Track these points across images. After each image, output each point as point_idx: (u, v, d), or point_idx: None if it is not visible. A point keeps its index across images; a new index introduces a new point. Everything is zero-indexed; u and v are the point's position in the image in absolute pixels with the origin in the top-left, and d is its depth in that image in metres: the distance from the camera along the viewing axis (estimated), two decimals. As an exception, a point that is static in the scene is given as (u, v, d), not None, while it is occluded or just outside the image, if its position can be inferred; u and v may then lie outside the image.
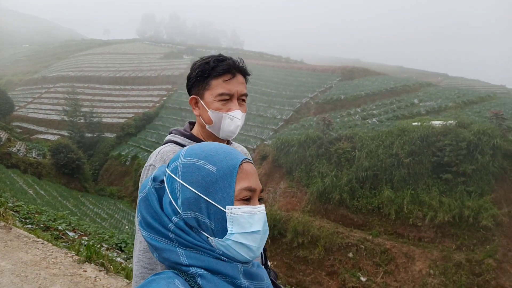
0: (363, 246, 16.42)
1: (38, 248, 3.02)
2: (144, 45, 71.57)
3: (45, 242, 3.28)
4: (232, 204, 0.73)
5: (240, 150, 1.54)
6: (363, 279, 15.52)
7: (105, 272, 3.05)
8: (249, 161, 0.81)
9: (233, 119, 1.31)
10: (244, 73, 1.36)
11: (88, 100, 42.17)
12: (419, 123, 18.49)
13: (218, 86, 1.30)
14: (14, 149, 23.22)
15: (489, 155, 15.92)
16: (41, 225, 4.01)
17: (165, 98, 40.39)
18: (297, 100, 29.51)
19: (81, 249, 3.41)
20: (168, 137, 1.43)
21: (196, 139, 1.38)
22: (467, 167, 15.80)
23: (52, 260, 2.97)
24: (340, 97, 26.69)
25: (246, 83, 1.39)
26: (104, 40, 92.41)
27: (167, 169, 0.79)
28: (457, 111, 21.67)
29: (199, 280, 0.71)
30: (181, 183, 0.74)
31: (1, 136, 23.70)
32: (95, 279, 2.90)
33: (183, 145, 1.35)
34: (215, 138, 1.37)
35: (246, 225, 0.74)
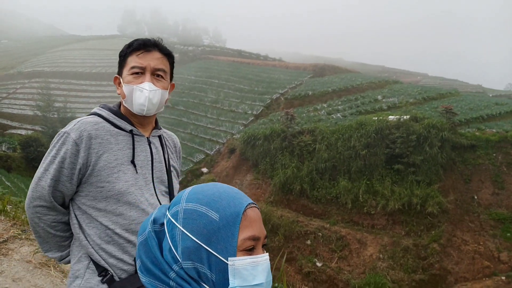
0: (320, 234, 17.21)
1: None
2: (123, 41, 70.75)
3: None
4: (235, 255, 0.69)
5: (170, 138, 1.56)
6: (318, 264, 16.29)
7: None
8: (254, 206, 0.76)
9: (142, 91, 1.29)
10: (162, 50, 1.35)
11: (63, 95, 41.99)
12: (377, 118, 19.43)
13: (132, 61, 1.32)
14: None
15: (437, 147, 16.92)
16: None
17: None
18: (268, 96, 30.26)
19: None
20: (95, 109, 1.40)
21: (121, 116, 1.36)
22: (416, 158, 16.78)
23: None
24: (308, 93, 27.57)
25: (171, 64, 1.40)
26: (83, 36, 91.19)
27: (167, 213, 0.76)
28: (416, 106, 22.78)
29: None
30: (182, 231, 0.71)
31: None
32: None
33: (106, 119, 1.34)
34: (135, 115, 1.36)
35: (249, 278, 0.69)
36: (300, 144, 19.94)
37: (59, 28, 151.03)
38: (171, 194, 1.41)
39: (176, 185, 1.46)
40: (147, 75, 1.32)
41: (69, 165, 1.26)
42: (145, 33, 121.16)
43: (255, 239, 0.72)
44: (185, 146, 28.16)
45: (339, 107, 24.59)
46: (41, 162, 1.30)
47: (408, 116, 18.66)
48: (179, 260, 0.71)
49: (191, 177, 24.60)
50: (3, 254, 2.87)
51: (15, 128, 37.62)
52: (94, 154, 1.27)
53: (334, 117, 22.95)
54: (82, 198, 1.31)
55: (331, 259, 16.48)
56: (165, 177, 1.41)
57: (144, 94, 1.29)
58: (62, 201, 1.33)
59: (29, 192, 1.29)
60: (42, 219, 1.31)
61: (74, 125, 1.29)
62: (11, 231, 3.16)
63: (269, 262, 0.75)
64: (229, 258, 0.69)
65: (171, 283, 0.70)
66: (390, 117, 19.29)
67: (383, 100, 24.67)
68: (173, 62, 1.42)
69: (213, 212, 0.71)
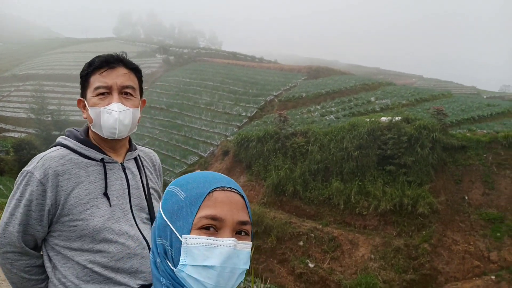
0: (313, 235, 17.27)
1: None
2: (118, 44, 71.18)
3: None
4: (189, 233, 0.68)
5: (148, 157, 1.44)
6: (311, 265, 16.34)
7: None
8: (229, 189, 0.73)
9: (110, 113, 1.19)
10: (128, 65, 1.26)
11: (57, 98, 41.92)
12: (369, 119, 19.56)
13: (96, 80, 1.22)
14: None
15: (428, 148, 17.05)
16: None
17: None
18: (262, 98, 30.35)
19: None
20: (59, 139, 1.29)
21: (89, 144, 1.26)
22: (407, 159, 16.90)
23: None
24: (302, 95, 27.69)
25: (139, 79, 1.30)
26: (79, 39, 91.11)
27: None
28: (409, 108, 22.94)
29: None
30: (160, 209, 0.74)
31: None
32: None
33: (73, 150, 1.24)
34: (105, 140, 1.25)
35: (199, 258, 0.67)
36: (293, 146, 20.04)
37: (56, 31, 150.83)
38: (153, 220, 1.31)
39: (157, 208, 1.35)
40: (114, 95, 1.22)
41: (36, 207, 1.18)
42: (141, 36, 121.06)
43: (214, 219, 0.68)
44: (179, 148, 28.20)
45: (333, 108, 24.72)
46: (6, 205, 1.20)
47: (400, 118, 18.79)
48: (156, 237, 0.73)
49: (185, 179, 24.65)
50: None
51: (8, 131, 37.51)
52: (63, 192, 1.18)
53: (327, 118, 23.08)
54: (54, 239, 1.23)
55: (323, 260, 16.53)
56: (145, 203, 1.32)
57: (113, 116, 1.19)
58: (34, 244, 1.25)
59: None
60: (14, 265, 1.22)
61: (37, 162, 1.19)
62: None
63: (238, 248, 0.68)
64: (183, 236, 0.68)
65: (158, 259, 0.72)
66: (382, 118, 19.42)
67: (376, 101, 24.83)
68: (141, 77, 1.32)
69: (182, 192, 0.72)
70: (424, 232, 15.69)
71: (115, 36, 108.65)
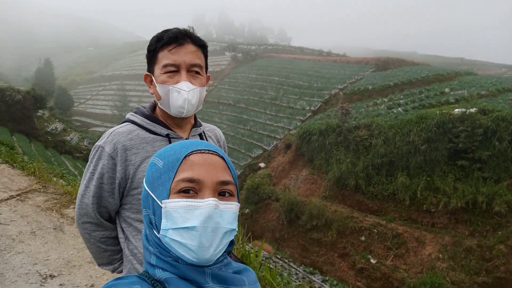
0: (375, 230, 16.83)
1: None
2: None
3: None
4: (168, 198, 0.68)
5: (212, 133, 1.45)
6: (373, 261, 15.97)
7: (13, 167, 4.77)
8: (206, 151, 0.72)
9: (180, 92, 1.18)
10: (196, 41, 1.23)
11: (137, 96, 45.77)
12: (439, 111, 18.37)
13: (164, 57, 1.19)
14: (68, 138, 26.48)
15: (507, 141, 15.57)
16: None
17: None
18: (327, 92, 29.95)
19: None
20: (128, 115, 1.32)
21: (154, 119, 1.27)
22: (483, 153, 15.61)
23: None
24: (368, 87, 26.77)
25: (205, 55, 1.28)
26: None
27: None
28: (488, 99, 21.01)
29: (166, 284, 0.67)
30: (144, 182, 0.74)
31: (57, 126, 27.14)
32: (2, 168, 4.63)
33: (141, 126, 1.26)
34: (172, 117, 1.26)
35: (179, 220, 0.66)
36: (355, 139, 19.60)
37: (138, 34, 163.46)
38: None
39: None
40: (183, 73, 1.19)
41: (108, 180, 1.22)
42: (213, 36, 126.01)
43: (192, 181, 0.68)
44: (244, 142, 29.10)
45: (401, 101, 23.57)
46: (82, 178, 1.26)
47: (475, 109, 17.36)
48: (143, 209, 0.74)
49: (249, 171, 25.39)
50: (21, 200, 3.77)
51: (96, 126, 41.93)
52: (132, 166, 1.21)
53: (395, 111, 22.09)
54: (126, 212, 1.28)
55: (386, 256, 16.03)
56: None
57: (182, 96, 1.19)
58: (109, 216, 1.31)
59: (75, 209, 1.28)
60: (92, 235, 1.30)
61: (107, 137, 1.22)
62: (34, 186, 4.11)
63: (220, 209, 0.68)
64: (162, 201, 0.68)
65: (147, 230, 0.73)
66: (455, 110, 18.10)
67: (451, 92, 23.10)
68: (207, 53, 1.29)
69: (160, 160, 0.72)
70: (500, 232, 14.43)
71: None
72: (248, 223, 21.80)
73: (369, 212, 17.89)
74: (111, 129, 1.26)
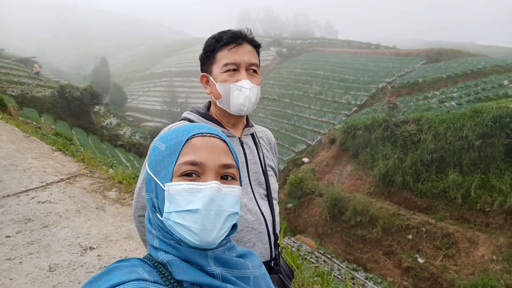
0: (424, 229, 16.16)
1: (32, 141, 5.50)
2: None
3: (42, 143, 5.63)
4: (171, 181, 0.68)
5: (264, 134, 1.44)
6: (420, 260, 15.38)
7: (65, 154, 5.17)
8: (208, 135, 0.72)
9: (241, 90, 1.20)
10: (252, 42, 1.27)
11: (185, 92, 47.33)
12: (496, 105, 17.12)
13: (224, 57, 1.22)
14: (121, 132, 28.09)
15: None
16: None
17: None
18: (374, 86, 28.97)
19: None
20: (184, 113, 1.37)
21: (210, 118, 1.29)
22: (545, 150, 14.38)
23: (38, 148, 5.23)
24: (418, 80, 25.51)
25: (258, 54, 1.30)
26: (205, 38, 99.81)
27: None
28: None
29: (168, 267, 0.67)
30: (146, 166, 0.74)
31: (112, 121, 28.86)
32: (56, 155, 5.07)
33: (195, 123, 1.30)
34: (228, 115, 1.28)
35: (182, 203, 0.66)
36: (403, 134, 18.84)
37: (187, 32, 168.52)
38: (269, 196, 1.30)
39: (274, 186, 1.34)
40: (242, 72, 1.22)
41: None
42: (259, 31, 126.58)
43: (194, 164, 0.68)
44: (288, 137, 29.05)
45: (454, 94, 22.25)
46: (140, 173, 1.29)
47: (538, 102, 16.00)
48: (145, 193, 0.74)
49: (292, 166, 25.33)
50: (70, 183, 4.17)
51: (147, 121, 43.97)
52: None
53: (447, 105, 20.91)
54: None
55: (435, 256, 15.34)
56: (263, 179, 1.30)
57: (244, 93, 1.21)
58: None
59: (133, 203, 1.30)
60: None
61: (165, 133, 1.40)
62: (82, 171, 4.52)
63: (223, 192, 0.68)
64: (165, 184, 0.68)
65: (150, 215, 0.73)
66: (515, 103, 16.79)
67: (510, 85, 21.41)
68: (259, 53, 1.33)
69: (162, 144, 0.72)
70: None
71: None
72: (291, 218, 21.81)
73: (417, 209, 17.17)
74: (168, 126, 1.29)
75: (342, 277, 13.63)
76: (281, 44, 55.70)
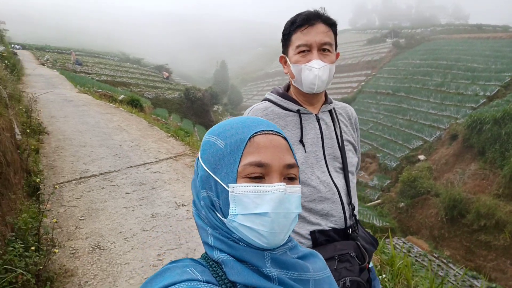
0: None
1: (154, 130, 6.66)
2: (352, 35, 73.86)
3: (161, 131, 6.88)
4: (235, 182, 0.65)
5: (344, 110, 1.48)
6: (562, 276, 13.14)
7: (176, 139, 6.14)
8: (270, 132, 0.69)
9: (311, 70, 1.26)
10: (326, 21, 1.30)
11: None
12: None
13: (297, 39, 1.28)
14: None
15: None
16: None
17: (363, 83, 41.58)
18: (508, 74, 25.06)
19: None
20: (266, 95, 1.44)
21: (287, 97, 1.36)
22: None
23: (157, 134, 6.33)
24: None
25: (335, 33, 1.33)
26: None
27: None
28: None
29: (223, 266, 0.65)
30: (200, 161, 0.71)
31: (228, 118, 31.53)
32: (170, 139, 6.15)
33: (275, 103, 1.36)
34: (304, 94, 1.35)
35: (250, 206, 0.64)
36: (542, 128, 16.13)
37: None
38: (345, 170, 1.34)
39: (352, 160, 1.38)
40: (314, 52, 1.27)
41: None
42: (375, 23, 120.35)
43: (260, 165, 0.66)
44: (402, 133, 27.30)
45: None
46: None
47: None
48: (200, 189, 0.71)
49: (406, 163, 23.80)
50: (176, 160, 5.16)
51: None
52: None
53: None
54: None
55: None
56: (338, 153, 1.34)
57: (313, 73, 1.26)
58: None
59: None
60: None
61: (248, 113, 1.36)
62: (186, 151, 5.61)
63: (288, 193, 0.66)
64: (229, 185, 0.65)
65: (203, 211, 0.71)
66: None
67: None
68: (336, 30, 1.35)
69: (220, 140, 0.69)
70: None
71: (350, 27, 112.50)
72: (403, 218, 20.61)
73: (558, 216, 14.60)
74: (251, 106, 1.40)
75: (458, 283, 12.49)
76: (399, 35, 52.25)
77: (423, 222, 19.19)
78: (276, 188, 0.64)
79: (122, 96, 15.08)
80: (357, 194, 1.41)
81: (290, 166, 0.68)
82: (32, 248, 2.44)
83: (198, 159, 0.72)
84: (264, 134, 0.68)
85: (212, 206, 0.68)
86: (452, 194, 17.46)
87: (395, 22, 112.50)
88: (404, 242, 17.38)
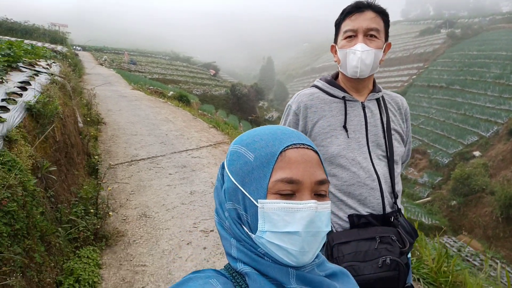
0: None
1: (197, 121, 7.37)
2: (401, 26, 70.91)
3: (203, 122, 7.50)
4: (265, 198, 0.62)
5: (393, 100, 1.47)
6: None
7: (217, 129, 6.65)
8: (302, 146, 0.65)
9: (355, 53, 1.27)
10: (375, 8, 1.31)
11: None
12: None
13: (345, 26, 1.31)
14: (268, 116, 31.21)
15: None
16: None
17: (414, 76, 39.92)
18: None
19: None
20: (315, 81, 1.46)
21: (334, 83, 1.38)
22: None
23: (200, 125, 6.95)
24: None
25: (385, 22, 1.33)
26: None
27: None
28: None
29: (246, 278, 0.63)
30: (226, 171, 0.68)
31: (273, 115, 32.12)
32: (211, 130, 6.64)
33: (321, 89, 1.39)
34: (351, 80, 1.36)
35: (280, 224, 0.61)
36: None
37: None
38: (390, 158, 1.35)
39: (398, 149, 1.38)
40: (359, 37, 1.28)
41: None
42: (430, 13, 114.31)
43: (291, 182, 0.62)
44: (455, 128, 26.00)
45: None
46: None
47: None
48: (225, 200, 0.68)
49: (459, 160, 22.71)
50: (215, 147, 5.70)
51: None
52: (310, 122, 1.34)
53: None
54: None
55: None
56: (382, 141, 1.35)
57: (357, 56, 1.28)
58: None
59: None
60: None
61: (295, 98, 1.40)
62: (225, 140, 6.16)
63: (319, 210, 0.62)
64: (258, 200, 0.62)
65: (226, 222, 0.68)
66: None
67: None
68: (388, 21, 1.35)
69: (250, 152, 0.65)
70: None
71: (402, 18, 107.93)
72: (454, 216, 19.77)
73: None
74: (299, 91, 1.44)
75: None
76: (454, 25, 49.40)
77: (476, 221, 18.30)
78: (308, 206, 0.62)
79: (171, 92, 15.99)
80: (405, 191, 1.49)
81: (322, 182, 0.65)
82: (92, 210, 2.95)
83: (223, 167, 0.69)
84: (295, 148, 0.65)
85: (238, 219, 0.66)
86: (509, 192, 16.52)
87: (451, 11, 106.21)
88: (454, 241, 16.71)
